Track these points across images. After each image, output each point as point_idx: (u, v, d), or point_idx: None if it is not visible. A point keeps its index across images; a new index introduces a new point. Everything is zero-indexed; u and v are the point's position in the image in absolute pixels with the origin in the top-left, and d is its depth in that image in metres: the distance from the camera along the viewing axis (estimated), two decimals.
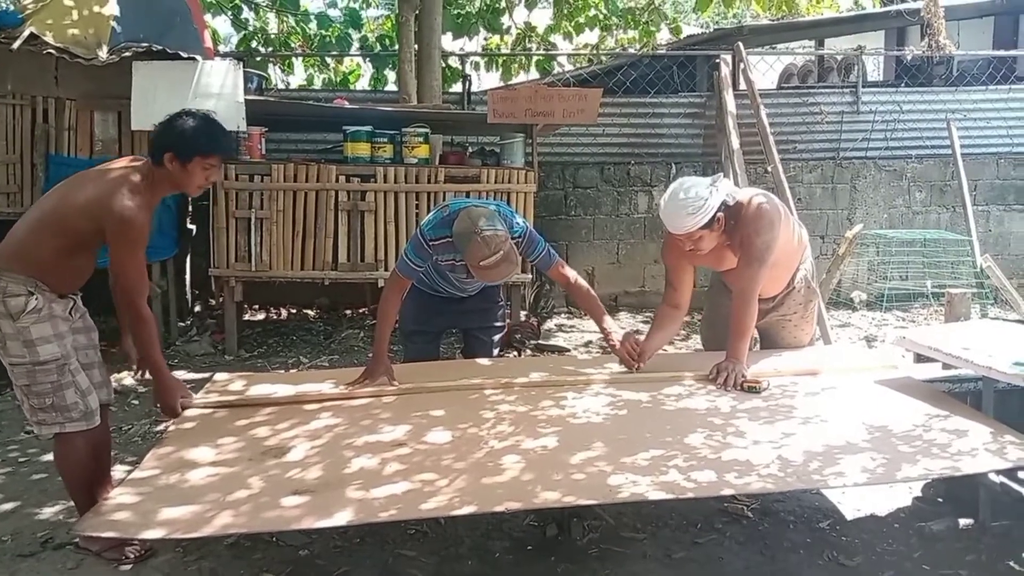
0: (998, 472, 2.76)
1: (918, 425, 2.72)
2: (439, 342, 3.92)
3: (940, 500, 3.28)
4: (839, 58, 8.98)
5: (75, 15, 5.29)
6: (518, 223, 3.36)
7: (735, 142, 7.01)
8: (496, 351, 3.89)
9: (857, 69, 8.28)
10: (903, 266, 7.37)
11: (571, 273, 3.52)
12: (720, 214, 3.16)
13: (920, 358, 3.23)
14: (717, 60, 7.58)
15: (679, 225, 3.14)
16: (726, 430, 2.69)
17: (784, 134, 7.62)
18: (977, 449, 2.53)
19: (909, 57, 8.54)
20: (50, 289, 2.80)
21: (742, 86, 7.44)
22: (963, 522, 3.07)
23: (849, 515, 3.26)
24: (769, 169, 6.89)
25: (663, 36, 8.49)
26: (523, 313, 6.09)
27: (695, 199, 3.09)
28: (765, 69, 8.82)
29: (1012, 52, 8.62)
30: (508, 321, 4.67)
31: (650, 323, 3.70)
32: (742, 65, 7.47)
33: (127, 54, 5.31)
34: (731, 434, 2.66)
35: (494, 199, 5.69)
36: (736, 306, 3.25)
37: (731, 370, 3.13)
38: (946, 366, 3.07)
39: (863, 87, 8.06)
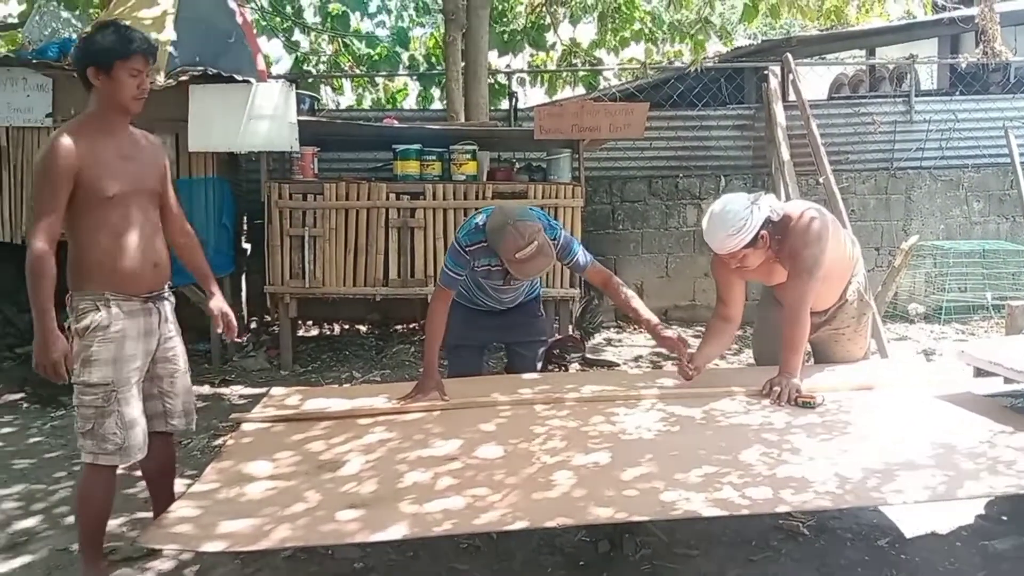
0: None
1: (980, 441, 2.65)
2: (482, 356, 3.96)
3: (1004, 518, 3.19)
4: (891, 67, 8.84)
5: None
6: (552, 224, 3.42)
7: (785, 154, 6.93)
8: (539, 365, 3.90)
9: (909, 78, 8.14)
10: (962, 277, 7.19)
11: (607, 272, 3.57)
12: (764, 231, 3.16)
13: (980, 372, 3.15)
14: (766, 72, 7.52)
15: (721, 246, 3.19)
16: (781, 446, 2.66)
17: (835, 145, 7.52)
18: None
19: (963, 64, 8.36)
20: (123, 293, 2.71)
21: (791, 97, 7.36)
22: None
23: (909, 533, 3.18)
24: (820, 181, 6.79)
25: (712, 47, 8.44)
26: (569, 327, 6.08)
27: (734, 219, 3.12)
28: (815, 79, 8.71)
29: None
30: (552, 335, 4.69)
31: (701, 337, 3.67)
32: (791, 76, 7.39)
33: (184, 78, 5.47)
34: (786, 450, 2.63)
35: None
36: (787, 320, 3.23)
37: (784, 385, 3.10)
38: (1007, 380, 2.99)
39: (916, 96, 7.92)
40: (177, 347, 2.98)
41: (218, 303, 3.19)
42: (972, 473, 2.44)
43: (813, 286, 3.20)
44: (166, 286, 2.97)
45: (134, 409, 2.74)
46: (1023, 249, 7.07)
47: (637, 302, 3.55)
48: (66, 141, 2.59)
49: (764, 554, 3.03)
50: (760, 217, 3.14)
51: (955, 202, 7.77)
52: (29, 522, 3.43)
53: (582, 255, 3.48)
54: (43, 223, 2.56)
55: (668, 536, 3.13)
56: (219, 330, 3.22)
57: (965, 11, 8.24)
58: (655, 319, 3.51)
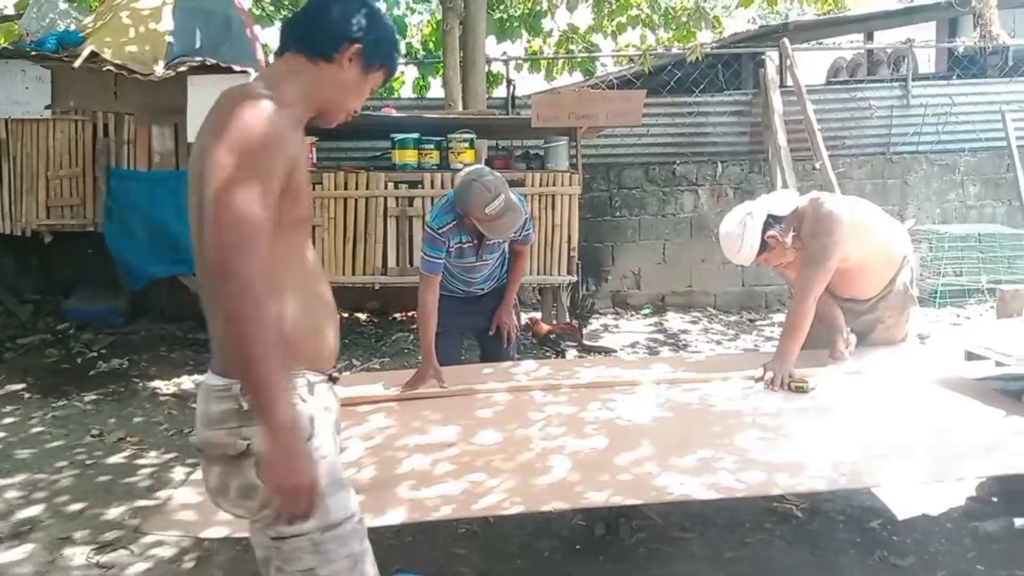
0: None
1: (971, 424, 2.69)
2: (460, 344, 4.00)
3: (995, 499, 3.23)
4: (888, 51, 8.84)
5: (132, 32, 5.48)
6: (519, 197, 3.55)
7: (782, 139, 6.95)
8: (513, 352, 3.93)
9: (907, 62, 8.14)
10: (957, 262, 7.22)
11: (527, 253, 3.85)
12: (774, 232, 3.24)
13: (972, 356, 3.18)
14: (763, 57, 7.52)
15: (738, 261, 3.37)
16: (775, 430, 2.70)
17: (832, 130, 7.53)
18: None
19: (961, 48, 8.36)
20: (319, 370, 1.70)
21: (788, 83, 7.37)
22: (1019, 522, 3.02)
23: (901, 515, 3.23)
24: (817, 166, 6.83)
25: (705, 36, 8.44)
26: (566, 314, 6.11)
27: (733, 240, 3.29)
28: (812, 64, 8.71)
29: None
30: (527, 321, 4.76)
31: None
32: (788, 62, 7.40)
33: (182, 68, 5.47)
34: (780, 434, 2.66)
35: (539, 202, 5.76)
36: (792, 306, 3.31)
37: (778, 370, 3.13)
38: (999, 364, 3.02)
39: (913, 80, 7.92)
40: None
41: None
42: (963, 456, 2.47)
43: (820, 276, 3.22)
44: None
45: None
46: (1019, 233, 7.09)
47: (516, 276, 3.78)
48: (283, 118, 1.57)
49: (758, 536, 3.08)
50: (755, 225, 3.23)
51: (951, 186, 7.79)
52: (31, 511, 3.47)
53: (532, 232, 3.73)
54: (257, 191, 1.49)
55: (663, 519, 3.17)
56: None
57: None
58: (512, 298, 3.78)
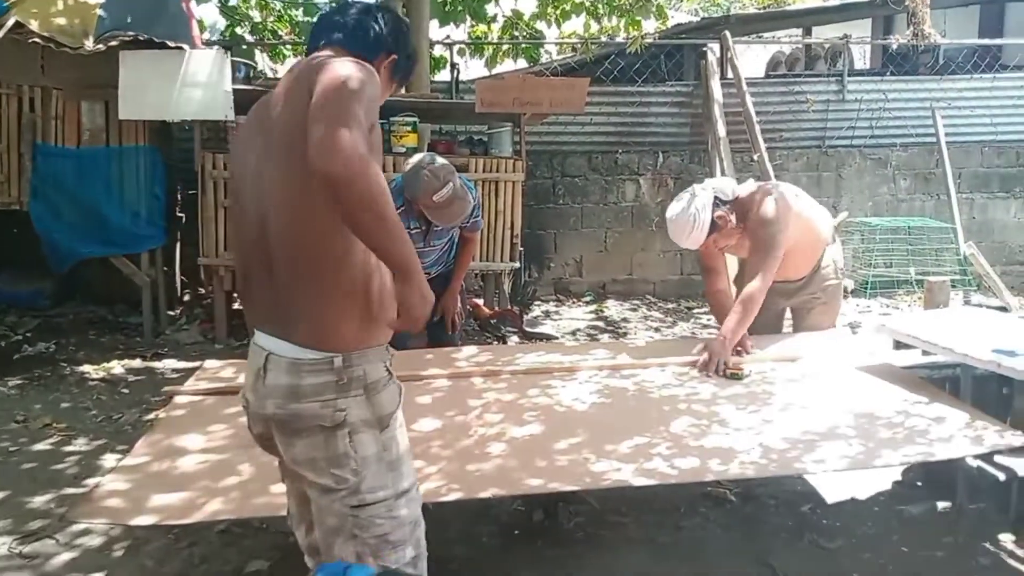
0: (975, 457, 2.81)
1: (897, 411, 2.77)
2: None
3: (919, 484, 3.35)
4: (826, 46, 9.02)
5: (60, 4, 5.27)
6: (468, 183, 3.56)
7: (721, 130, 7.05)
8: (457, 338, 3.93)
9: (843, 58, 8.32)
10: (887, 253, 7.44)
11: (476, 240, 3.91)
12: (721, 212, 3.32)
13: (900, 345, 3.28)
14: (704, 49, 7.61)
15: (690, 243, 3.41)
16: (709, 417, 2.74)
17: (770, 122, 7.66)
18: (954, 435, 2.58)
19: (895, 46, 8.58)
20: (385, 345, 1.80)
21: (729, 75, 7.47)
22: (941, 505, 3.15)
23: (830, 499, 3.32)
24: (755, 157, 6.94)
25: (650, 25, 8.49)
26: (498, 300, 6.11)
27: (684, 219, 3.33)
28: (752, 57, 8.84)
29: (997, 41, 8.68)
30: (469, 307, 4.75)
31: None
32: (729, 54, 7.50)
33: (114, 43, 5.29)
34: (714, 421, 2.71)
35: (482, 188, 5.74)
36: (743, 294, 3.35)
37: (717, 352, 3.19)
38: (925, 353, 3.12)
39: (849, 76, 8.10)
40: None
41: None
42: (889, 442, 2.55)
43: (770, 264, 3.31)
44: None
45: None
46: (946, 226, 7.33)
47: (464, 262, 3.84)
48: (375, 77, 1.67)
49: (693, 520, 3.13)
50: (703, 204, 3.31)
51: (883, 180, 8.01)
52: None
53: (481, 220, 3.76)
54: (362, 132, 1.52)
55: (601, 504, 3.21)
56: None
57: None
58: (459, 284, 3.83)
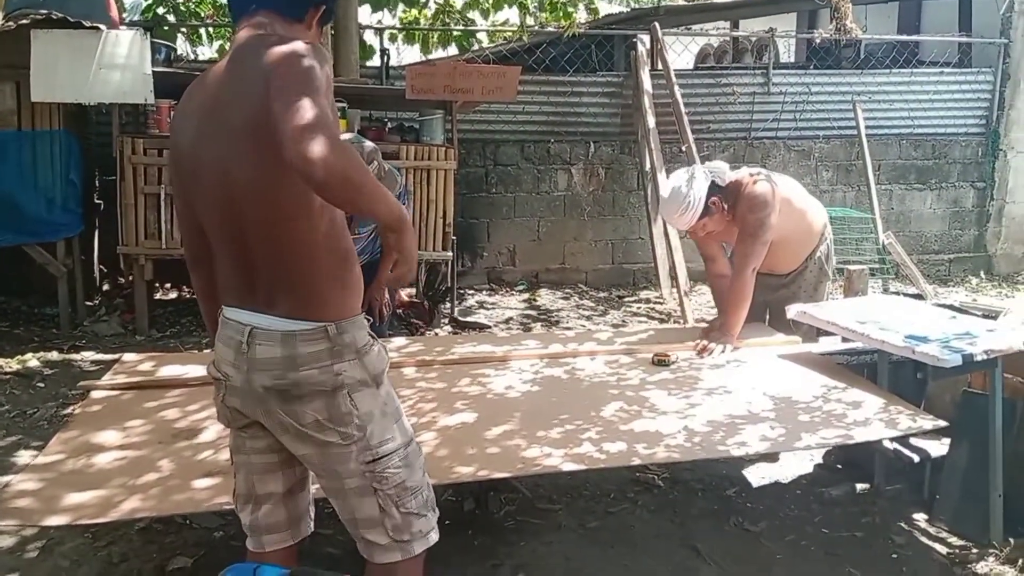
0: (891, 440, 2.92)
1: (817, 396, 2.86)
2: None
3: (839, 467, 3.46)
4: (752, 40, 9.20)
5: None
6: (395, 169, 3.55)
7: (651, 121, 7.12)
8: (386, 329, 3.90)
9: (769, 51, 8.49)
10: None
11: None
12: (715, 197, 3.34)
13: (820, 332, 3.37)
14: (635, 40, 7.67)
15: (680, 224, 3.45)
16: (638, 402, 2.78)
17: (698, 114, 7.77)
18: (871, 418, 2.68)
19: (818, 40, 8.79)
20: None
21: (659, 66, 7.55)
22: (859, 487, 3.26)
23: (755, 482, 3.41)
24: (683, 148, 7.04)
25: (582, 15, 8.51)
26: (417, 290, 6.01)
27: (678, 200, 3.32)
28: (681, 50, 8.95)
29: (915, 37, 8.96)
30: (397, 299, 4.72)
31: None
32: (659, 45, 7.57)
33: (24, 21, 5.06)
34: (642, 406, 2.75)
35: (414, 176, 5.69)
36: (732, 281, 3.40)
37: (722, 341, 3.28)
38: (845, 339, 3.22)
39: (774, 69, 8.27)
40: None
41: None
42: (808, 426, 2.63)
43: (758, 249, 3.35)
44: None
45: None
46: (866, 216, 7.56)
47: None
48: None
49: (621, 506, 3.17)
50: (700, 187, 3.32)
51: (806, 171, 8.21)
52: None
53: (409, 207, 3.70)
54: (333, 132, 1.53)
55: (531, 492, 3.22)
56: None
57: None
58: (385, 274, 3.83)
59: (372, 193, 1.54)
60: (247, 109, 1.61)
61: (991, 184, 8.55)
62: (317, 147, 1.44)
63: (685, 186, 3.32)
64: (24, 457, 3.57)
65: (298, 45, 1.61)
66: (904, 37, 8.90)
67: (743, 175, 3.47)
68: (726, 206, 3.39)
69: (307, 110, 1.48)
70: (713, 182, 3.37)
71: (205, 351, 5.28)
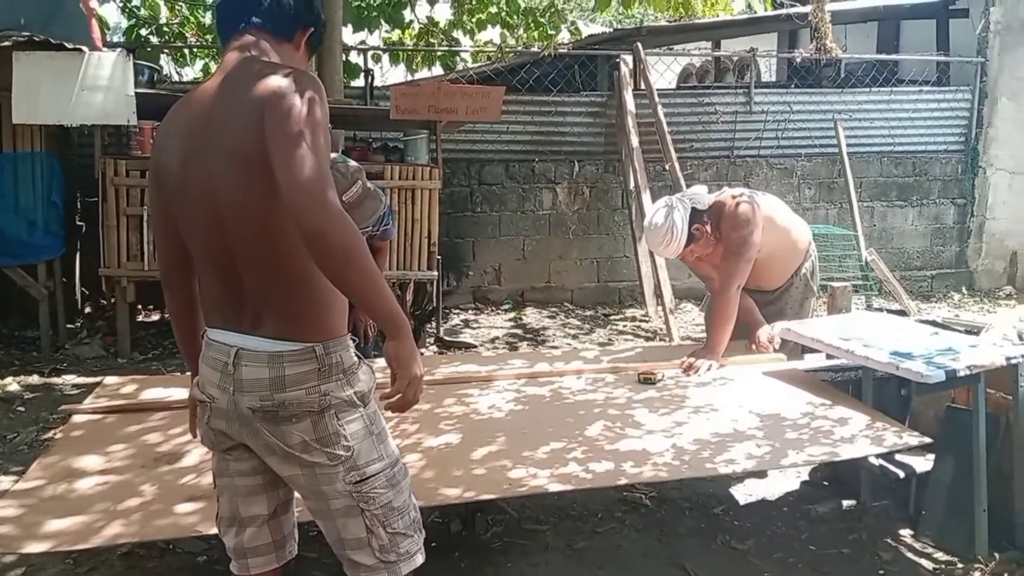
0: (876, 456, 2.92)
1: (803, 414, 2.86)
2: None
3: (826, 483, 3.46)
4: (734, 59, 9.29)
5: None
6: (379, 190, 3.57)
7: (634, 140, 7.16)
8: (371, 350, 3.88)
9: (751, 70, 8.57)
10: None
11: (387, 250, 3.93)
12: (698, 224, 3.36)
13: (805, 349, 3.39)
14: (618, 60, 7.73)
15: (667, 254, 3.48)
16: (623, 421, 2.78)
17: (681, 133, 7.83)
18: (857, 435, 2.68)
19: (799, 59, 8.89)
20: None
21: (642, 86, 7.60)
22: (846, 504, 3.26)
23: (742, 500, 3.40)
24: (667, 167, 7.08)
25: (564, 36, 8.57)
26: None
27: (661, 232, 3.35)
28: (663, 69, 9.03)
29: (895, 56, 9.09)
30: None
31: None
32: (641, 65, 7.63)
33: (6, 43, 5.04)
34: (628, 425, 2.74)
35: (399, 196, 5.69)
36: (716, 299, 3.41)
37: (708, 359, 3.27)
38: (830, 356, 3.23)
39: (756, 88, 8.36)
40: None
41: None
42: (795, 443, 2.63)
43: (742, 267, 3.37)
44: None
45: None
46: (849, 233, 7.61)
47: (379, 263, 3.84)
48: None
49: (609, 526, 3.16)
50: (681, 217, 3.34)
51: (789, 189, 8.27)
52: None
53: (393, 228, 3.71)
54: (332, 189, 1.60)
55: (519, 512, 3.20)
56: None
57: (801, 8, 8.76)
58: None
59: (373, 279, 1.58)
60: (240, 135, 1.61)
61: (971, 201, 8.66)
62: (319, 213, 1.53)
63: (665, 219, 3.35)
64: (4, 483, 3.51)
65: (297, 76, 1.62)
66: (884, 56, 9.02)
67: (725, 196, 3.49)
68: (710, 229, 3.41)
69: (315, 183, 1.54)
70: (694, 208, 3.39)
71: (188, 373, 5.24)
